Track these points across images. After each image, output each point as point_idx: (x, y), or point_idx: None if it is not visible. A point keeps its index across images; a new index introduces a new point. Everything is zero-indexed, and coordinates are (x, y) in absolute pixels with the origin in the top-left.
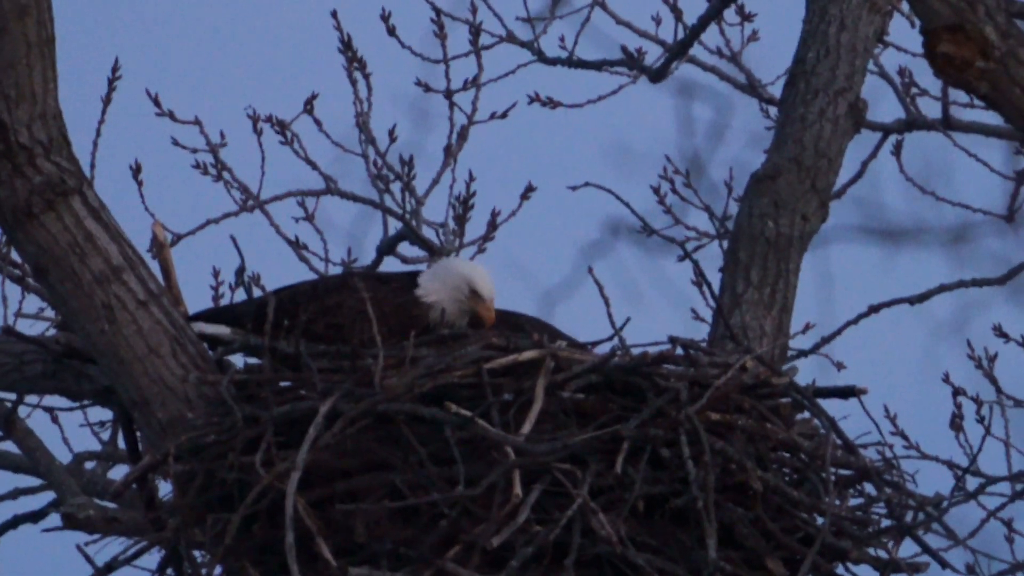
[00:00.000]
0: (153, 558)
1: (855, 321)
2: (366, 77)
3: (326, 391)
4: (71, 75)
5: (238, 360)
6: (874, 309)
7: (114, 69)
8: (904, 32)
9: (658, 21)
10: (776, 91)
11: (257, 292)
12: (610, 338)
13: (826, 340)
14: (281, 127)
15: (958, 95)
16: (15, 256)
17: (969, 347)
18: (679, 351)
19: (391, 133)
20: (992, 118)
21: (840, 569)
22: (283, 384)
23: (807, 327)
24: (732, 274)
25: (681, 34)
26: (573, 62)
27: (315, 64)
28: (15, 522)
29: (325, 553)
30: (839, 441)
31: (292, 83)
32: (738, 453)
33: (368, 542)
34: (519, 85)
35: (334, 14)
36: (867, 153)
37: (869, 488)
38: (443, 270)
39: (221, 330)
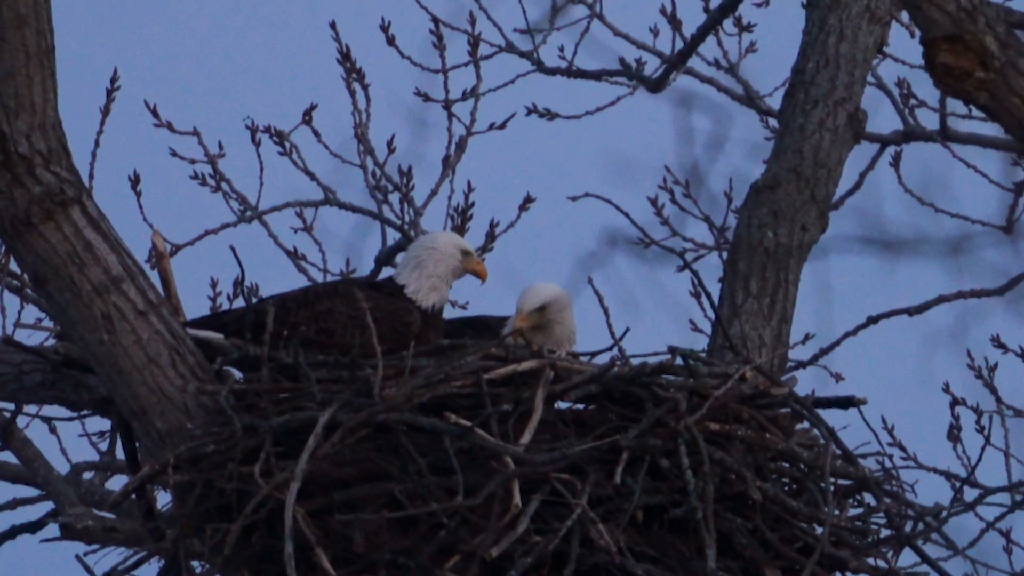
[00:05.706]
0: (152, 568)
1: (854, 332)
2: (364, 88)
3: (325, 401)
4: (70, 85)
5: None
6: (873, 320)
7: (113, 80)
8: (902, 43)
9: (656, 33)
10: (774, 102)
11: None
12: (609, 348)
13: (825, 351)
14: (280, 138)
15: (956, 106)
16: (14, 266)
17: (969, 356)
18: (678, 361)
19: (390, 144)
20: (990, 129)
21: None
22: (282, 395)
23: (806, 337)
24: (731, 284)
25: (679, 45)
26: (572, 72)
27: (314, 75)
28: (13, 532)
29: (324, 563)
30: (838, 451)
31: (291, 94)
32: (737, 463)
33: (367, 552)
34: (518, 95)
35: (333, 25)
36: (865, 164)
37: (868, 498)
38: (421, 252)
39: (212, 335)
